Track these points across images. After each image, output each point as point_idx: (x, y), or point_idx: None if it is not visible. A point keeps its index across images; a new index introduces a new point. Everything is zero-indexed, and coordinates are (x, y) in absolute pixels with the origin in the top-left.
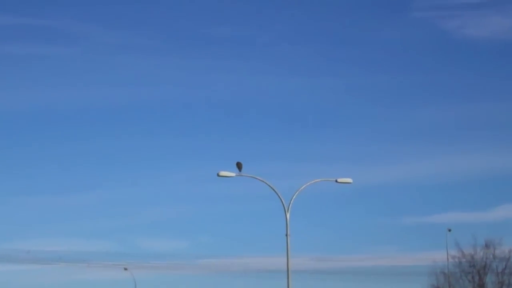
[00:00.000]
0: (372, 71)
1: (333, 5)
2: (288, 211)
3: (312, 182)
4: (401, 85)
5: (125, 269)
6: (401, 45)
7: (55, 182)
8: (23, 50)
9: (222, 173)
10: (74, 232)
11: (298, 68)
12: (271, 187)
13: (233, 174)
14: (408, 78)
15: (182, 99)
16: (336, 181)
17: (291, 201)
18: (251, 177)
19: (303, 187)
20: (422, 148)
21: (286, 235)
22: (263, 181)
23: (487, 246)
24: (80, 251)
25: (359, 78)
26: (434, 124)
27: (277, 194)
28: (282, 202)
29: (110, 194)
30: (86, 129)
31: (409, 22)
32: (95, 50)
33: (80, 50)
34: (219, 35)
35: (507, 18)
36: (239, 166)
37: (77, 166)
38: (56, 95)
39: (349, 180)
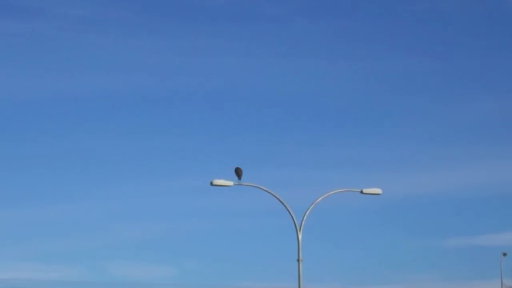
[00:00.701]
0: (406, 54)
1: None
2: (300, 230)
3: (331, 193)
4: (444, 71)
5: None
6: (445, 19)
7: (5, 192)
8: None
9: (217, 181)
10: (30, 255)
11: (314, 50)
12: (279, 200)
13: (231, 183)
14: (453, 62)
15: (167, 89)
16: (361, 192)
17: (304, 218)
18: (254, 186)
19: (319, 199)
20: (469, 151)
21: (298, 260)
22: (269, 192)
23: None
24: (38, 279)
25: (390, 63)
26: (485, 121)
27: (287, 208)
28: (293, 218)
29: (76, 207)
30: (45, 125)
31: None
32: (57, 25)
33: (37, 26)
34: (214, 7)
35: None
36: (238, 173)
37: (33, 172)
38: (6, 83)
39: (377, 190)
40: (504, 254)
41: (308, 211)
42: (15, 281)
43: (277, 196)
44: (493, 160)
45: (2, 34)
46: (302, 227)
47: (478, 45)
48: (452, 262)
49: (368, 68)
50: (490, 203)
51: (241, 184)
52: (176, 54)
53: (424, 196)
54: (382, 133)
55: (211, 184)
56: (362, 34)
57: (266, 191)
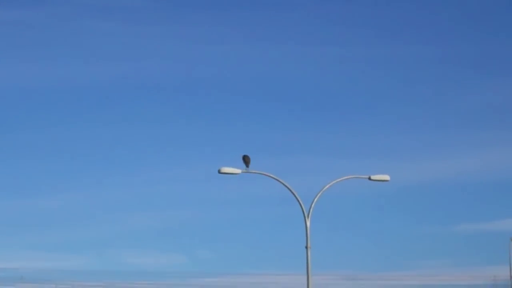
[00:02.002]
0: (414, 40)
1: None
2: (308, 217)
3: (339, 180)
4: (453, 58)
5: None
6: (450, 5)
7: (12, 182)
8: None
9: (225, 169)
10: (38, 244)
11: (322, 37)
12: (287, 187)
13: (238, 171)
14: (463, 50)
15: (173, 77)
16: (370, 178)
17: (312, 205)
18: (262, 174)
19: (327, 186)
20: (477, 138)
21: (306, 247)
22: (277, 180)
23: None
24: (46, 269)
25: (398, 48)
26: (493, 107)
27: (295, 195)
28: (301, 205)
29: (86, 197)
30: (50, 114)
31: None
32: (64, 14)
33: (44, 14)
34: None
35: None
36: (246, 160)
37: (40, 161)
38: (13, 73)
39: (386, 177)
40: None
41: (316, 198)
42: (22, 270)
43: (285, 183)
44: (502, 146)
45: (11, 22)
46: (310, 214)
47: (488, 29)
48: (461, 248)
49: (376, 55)
50: (499, 189)
51: (249, 172)
52: (184, 42)
53: (433, 183)
54: (390, 120)
55: (219, 172)
56: (371, 21)
57: (274, 178)
